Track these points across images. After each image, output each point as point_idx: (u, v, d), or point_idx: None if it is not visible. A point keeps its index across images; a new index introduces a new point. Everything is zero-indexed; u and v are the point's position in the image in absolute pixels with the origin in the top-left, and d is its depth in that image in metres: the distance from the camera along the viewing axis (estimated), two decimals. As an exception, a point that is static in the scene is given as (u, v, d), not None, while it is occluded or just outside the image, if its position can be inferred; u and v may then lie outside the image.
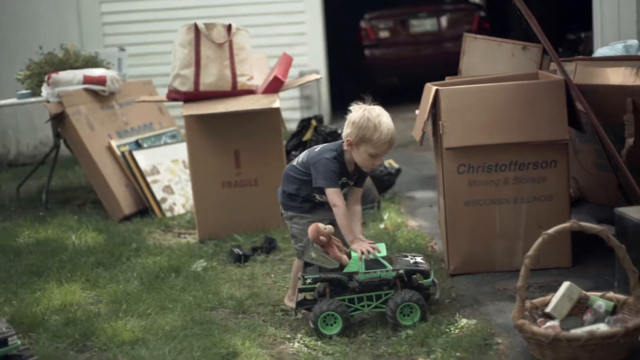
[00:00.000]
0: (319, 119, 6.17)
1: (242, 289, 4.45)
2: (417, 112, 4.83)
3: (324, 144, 4.11)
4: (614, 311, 3.48)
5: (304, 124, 6.13)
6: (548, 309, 3.53)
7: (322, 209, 4.03)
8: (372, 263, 3.76)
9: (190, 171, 5.59)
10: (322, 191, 3.93)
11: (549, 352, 3.22)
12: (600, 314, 3.44)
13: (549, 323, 3.43)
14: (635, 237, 3.51)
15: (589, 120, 4.36)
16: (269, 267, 4.84)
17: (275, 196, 5.52)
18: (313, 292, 3.80)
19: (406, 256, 3.92)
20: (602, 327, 3.28)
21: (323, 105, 10.21)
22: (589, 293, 3.60)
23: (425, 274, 3.79)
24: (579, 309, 3.55)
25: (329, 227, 3.78)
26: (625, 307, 3.49)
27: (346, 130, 3.90)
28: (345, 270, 3.77)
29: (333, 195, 3.87)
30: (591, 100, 4.36)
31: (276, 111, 5.46)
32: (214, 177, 5.55)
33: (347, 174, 3.97)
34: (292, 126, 7.07)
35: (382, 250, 3.84)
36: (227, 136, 5.53)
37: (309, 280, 3.79)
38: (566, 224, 3.25)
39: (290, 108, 9.65)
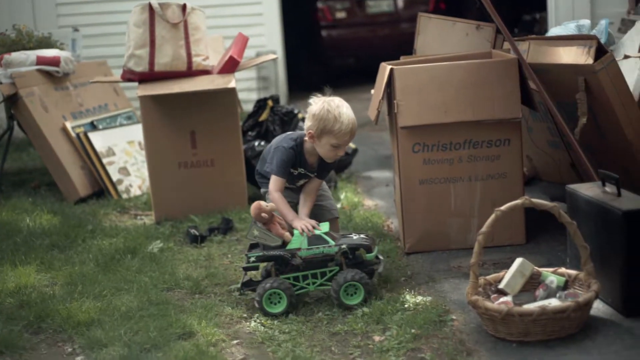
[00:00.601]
0: (276, 99, 6.15)
1: (198, 269, 4.45)
2: (372, 91, 4.84)
3: (290, 132, 4.17)
4: (565, 286, 3.54)
5: (260, 104, 6.12)
6: (501, 285, 3.58)
7: (293, 191, 4.11)
8: (315, 239, 3.79)
9: (146, 152, 5.56)
10: (292, 178, 4.04)
11: (501, 327, 3.26)
12: (552, 290, 3.49)
13: (502, 299, 3.48)
14: (586, 213, 3.56)
15: (542, 99, 4.41)
16: (226, 247, 4.83)
17: (232, 176, 5.55)
18: (258, 271, 3.85)
19: (350, 233, 3.96)
20: (553, 302, 3.33)
21: (280, 85, 10.19)
22: (541, 269, 3.66)
23: (368, 249, 3.82)
24: (531, 285, 3.61)
25: (271, 205, 3.85)
26: (576, 282, 3.55)
27: (307, 123, 3.94)
28: (287, 247, 3.80)
29: (273, 181, 3.96)
30: (544, 79, 4.40)
31: (232, 91, 5.44)
32: (170, 158, 5.52)
33: (305, 165, 4.02)
34: (249, 107, 7.03)
35: (324, 227, 3.87)
36: (183, 117, 5.50)
37: (252, 259, 3.82)
38: (518, 201, 3.29)
39: (247, 89, 9.61)
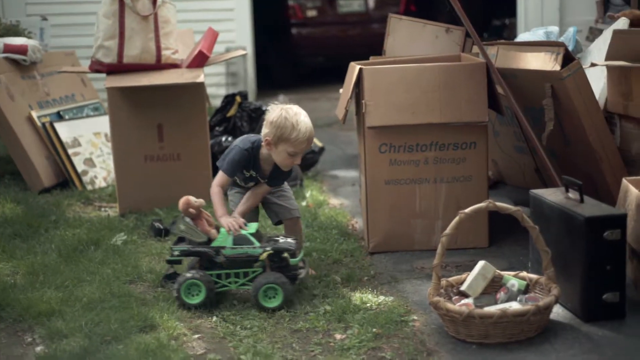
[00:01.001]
0: (244, 95, 6.15)
1: (161, 262, 4.43)
2: (341, 91, 4.86)
3: (252, 134, 4.16)
4: (526, 290, 3.57)
5: (229, 99, 6.11)
6: (463, 287, 3.61)
7: (250, 184, 4.12)
8: (240, 239, 3.79)
9: (112, 144, 5.53)
10: (243, 179, 4.07)
11: (462, 329, 3.29)
12: (513, 293, 3.52)
13: (464, 301, 3.51)
14: (549, 218, 3.60)
15: (509, 104, 4.45)
16: (190, 241, 4.82)
17: (198, 171, 5.53)
18: (180, 265, 3.90)
19: (277, 237, 3.94)
20: (514, 305, 3.36)
21: (249, 82, 10.17)
22: (503, 272, 3.69)
23: (292, 254, 3.81)
24: (493, 288, 3.64)
25: (200, 201, 3.83)
26: (537, 286, 3.59)
27: (264, 131, 3.94)
28: (213, 244, 3.81)
29: (219, 176, 3.99)
30: (511, 84, 4.45)
31: (200, 86, 5.43)
32: (137, 151, 5.49)
33: (258, 170, 4.03)
34: (217, 102, 7.02)
35: (251, 228, 3.86)
36: (151, 110, 5.48)
37: (176, 252, 3.84)
38: (482, 204, 3.32)
39: (215, 84, 9.59)
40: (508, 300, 3.49)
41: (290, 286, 3.74)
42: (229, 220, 3.85)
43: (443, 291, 3.60)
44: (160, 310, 3.72)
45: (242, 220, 3.89)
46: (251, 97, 9.83)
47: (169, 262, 3.91)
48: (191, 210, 3.81)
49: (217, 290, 3.82)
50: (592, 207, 3.46)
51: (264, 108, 6.06)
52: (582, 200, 3.52)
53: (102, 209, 5.65)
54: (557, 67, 4.10)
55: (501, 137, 5.43)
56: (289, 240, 3.89)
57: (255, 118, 5.95)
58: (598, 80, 4.85)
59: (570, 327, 3.39)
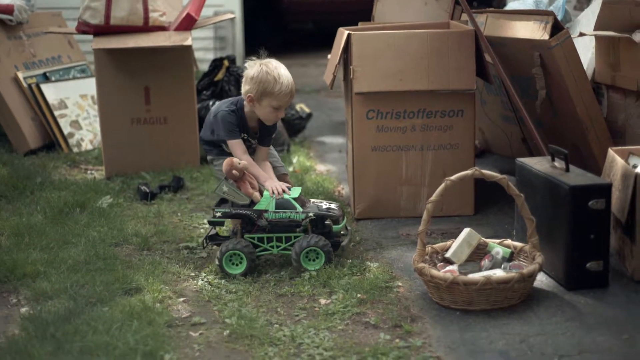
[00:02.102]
0: (232, 59, 6.12)
1: (147, 226, 4.43)
2: (329, 56, 4.84)
3: (226, 99, 4.12)
4: (510, 258, 3.59)
5: (216, 63, 6.08)
6: (448, 254, 3.63)
7: None
8: (283, 203, 3.77)
9: (99, 106, 5.50)
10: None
11: (446, 295, 3.31)
12: (498, 260, 3.55)
13: (448, 267, 3.53)
14: (535, 187, 3.61)
15: (497, 72, 4.45)
16: (176, 205, 4.82)
17: (185, 135, 5.52)
18: (223, 227, 3.90)
19: (321, 202, 3.93)
20: (498, 273, 3.38)
21: (237, 46, 10.12)
22: (488, 240, 3.71)
23: (335, 221, 3.80)
24: (477, 255, 3.67)
25: (244, 163, 3.77)
26: (521, 254, 3.61)
27: (245, 87, 3.91)
28: (255, 207, 3.78)
29: (236, 147, 3.93)
30: (500, 52, 4.44)
31: (188, 49, 5.40)
32: (123, 114, 5.47)
33: (247, 130, 4.00)
34: (205, 67, 6.98)
35: (295, 192, 3.85)
36: (138, 72, 5.45)
37: (218, 214, 3.81)
38: (468, 171, 3.32)
39: (204, 48, 9.54)
40: (492, 267, 3.52)
41: (332, 249, 3.74)
42: (274, 184, 3.84)
43: (428, 258, 3.61)
44: (145, 273, 3.72)
45: (285, 184, 3.88)
46: (239, 61, 9.78)
47: (211, 223, 3.87)
48: (234, 172, 3.74)
49: (258, 254, 3.80)
50: (578, 176, 3.47)
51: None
52: (567, 170, 3.54)
53: (88, 172, 5.64)
54: (546, 36, 4.09)
55: (489, 106, 5.44)
56: (332, 206, 3.87)
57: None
58: (586, 51, 4.85)
59: (554, 295, 3.41)
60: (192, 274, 3.80)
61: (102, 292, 3.50)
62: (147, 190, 4.94)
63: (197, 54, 8.13)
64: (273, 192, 3.80)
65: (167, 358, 2.94)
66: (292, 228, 3.78)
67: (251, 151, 4.08)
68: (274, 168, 4.13)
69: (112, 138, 5.47)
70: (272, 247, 3.81)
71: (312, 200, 3.97)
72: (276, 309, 3.41)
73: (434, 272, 3.32)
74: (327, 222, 3.81)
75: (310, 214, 3.76)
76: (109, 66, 5.41)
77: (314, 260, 3.73)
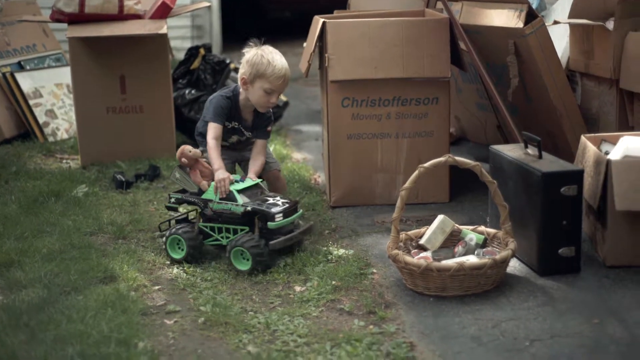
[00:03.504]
0: (208, 48, 6.10)
1: (123, 214, 4.42)
2: (305, 44, 4.84)
3: (225, 88, 4.13)
4: (484, 244, 3.62)
5: (192, 52, 6.06)
6: (422, 241, 3.65)
7: (228, 149, 4.10)
8: (229, 195, 3.75)
9: (74, 95, 5.48)
10: (226, 132, 4.01)
11: (420, 282, 3.33)
12: (471, 247, 3.57)
13: (422, 254, 3.54)
14: (508, 174, 3.63)
15: (472, 60, 4.46)
16: (152, 194, 4.82)
17: (161, 124, 5.51)
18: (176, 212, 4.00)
19: (270, 198, 3.79)
20: (471, 259, 3.40)
21: (214, 35, 10.10)
22: (461, 227, 3.73)
23: (269, 218, 3.65)
24: (451, 242, 3.69)
25: (195, 151, 3.80)
26: (495, 241, 3.63)
27: (240, 71, 3.95)
28: (203, 196, 3.81)
29: (210, 129, 3.92)
30: (475, 40, 4.45)
31: (163, 37, 5.38)
32: (99, 102, 5.45)
33: (240, 119, 4.01)
34: (182, 55, 6.96)
35: (243, 184, 3.80)
36: (113, 61, 5.43)
37: (172, 200, 3.88)
38: (442, 158, 3.33)
39: (181, 37, 9.51)
40: (466, 253, 3.54)
41: (259, 250, 3.60)
42: (219, 177, 3.78)
43: (402, 245, 3.63)
44: (120, 261, 3.72)
45: (233, 177, 3.82)
46: (217, 50, 9.76)
47: (167, 207, 3.94)
48: (183, 160, 3.79)
49: (211, 244, 3.83)
50: (550, 163, 3.50)
51: (227, 61, 6.02)
52: (540, 156, 3.56)
53: (64, 161, 5.61)
54: (520, 24, 4.11)
55: (464, 94, 5.46)
56: (279, 202, 3.75)
57: (219, 71, 5.92)
58: (561, 39, 4.87)
59: (526, 280, 3.44)
60: (168, 262, 3.79)
61: (76, 280, 3.49)
62: (123, 179, 4.93)
63: (174, 43, 8.11)
64: (217, 186, 3.76)
65: (141, 346, 2.94)
66: (236, 220, 3.75)
67: (245, 143, 4.10)
68: (267, 164, 4.11)
69: (88, 127, 5.45)
70: (222, 237, 3.81)
71: (271, 196, 3.83)
72: (251, 296, 3.41)
73: (408, 258, 3.34)
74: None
75: (248, 208, 3.69)
76: (84, 55, 5.39)
77: (247, 260, 3.62)
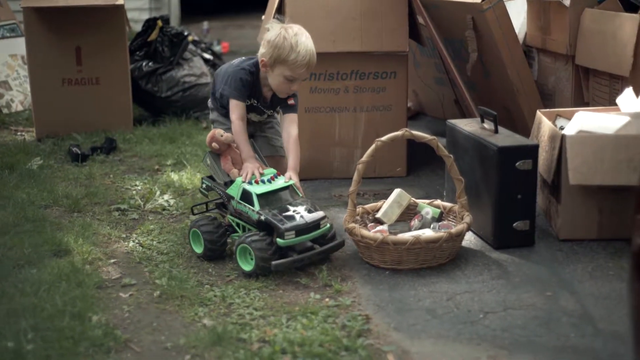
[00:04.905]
0: (165, 20, 6.04)
1: (78, 188, 4.38)
2: (263, 17, 4.81)
3: (245, 57, 3.72)
4: (440, 218, 3.64)
5: (150, 24, 5.99)
6: (378, 215, 3.66)
7: (251, 115, 3.73)
8: (246, 196, 3.39)
9: (29, 67, 5.41)
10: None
11: (376, 255, 3.34)
12: (427, 220, 3.59)
13: (378, 228, 3.56)
14: (464, 148, 3.65)
15: (430, 35, 4.47)
16: (108, 167, 4.78)
17: (117, 96, 5.45)
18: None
19: (297, 206, 3.39)
20: (427, 233, 3.42)
21: (173, 7, 10.00)
22: (418, 200, 3.75)
23: (279, 234, 3.26)
24: (408, 216, 3.70)
25: (227, 135, 3.52)
26: (450, 214, 3.65)
27: (261, 50, 3.56)
28: (228, 190, 3.49)
29: (233, 106, 3.56)
30: (433, 15, 4.46)
31: (120, 8, 5.32)
32: (54, 74, 5.39)
33: (259, 97, 3.65)
34: (139, 27, 6.89)
35: (272, 185, 3.42)
36: (68, 32, 5.36)
37: (204, 185, 3.62)
38: (398, 132, 3.34)
39: (139, 9, 9.41)
40: (422, 227, 3.56)
41: (265, 255, 3.24)
42: (249, 166, 3.47)
43: (359, 218, 3.64)
44: (75, 235, 3.69)
45: (263, 170, 3.47)
46: (175, 22, 9.67)
47: (201, 192, 3.68)
48: (214, 145, 3.52)
49: (234, 237, 3.51)
50: (506, 138, 3.52)
51: (185, 33, 5.97)
52: (496, 131, 3.58)
53: (18, 133, 5.54)
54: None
55: (422, 69, 5.47)
56: (301, 213, 3.33)
57: (176, 43, 5.86)
58: (518, 15, 4.89)
59: (481, 253, 3.47)
60: (124, 236, 3.77)
61: (30, 254, 3.46)
62: (79, 152, 4.88)
63: (132, 14, 8.02)
64: (244, 179, 3.43)
65: (96, 319, 2.92)
66: (252, 224, 3.41)
67: (263, 123, 3.82)
68: (272, 147, 3.83)
69: (43, 99, 5.38)
70: (240, 235, 3.45)
71: (298, 204, 3.41)
72: (207, 269, 3.40)
73: (364, 232, 3.35)
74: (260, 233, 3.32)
75: (262, 217, 3.31)
76: (39, 25, 5.31)
77: (252, 260, 3.29)
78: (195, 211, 3.76)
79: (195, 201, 4.11)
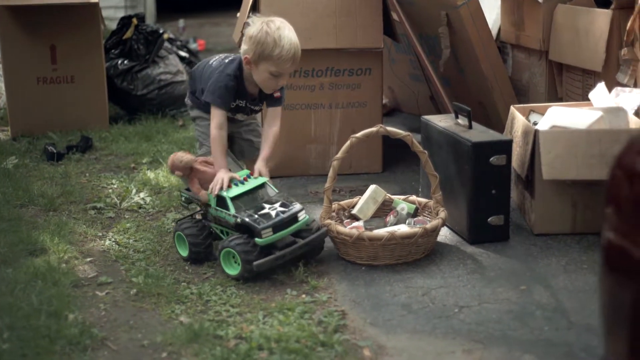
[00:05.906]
0: (141, 17, 6.02)
1: (54, 187, 4.37)
2: (238, 14, 4.81)
3: (226, 55, 3.64)
4: (415, 213, 3.66)
5: (125, 22, 5.98)
6: (354, 211, 3.68)
7: (238, 115, 3.68)
8: (221, 201, 3.34)
9: (3, 65, 5.38)
10: (229, 110, 3.57)
11: (352, 251, 3.35)
12: (403, 216, 3.61)
13: (354, 224, 3.57)
14: (439, 143, 3.67)
15: (404, 31, 4.49)
16: (84, 166, 4.76)
17: (92, 94, 5.43)
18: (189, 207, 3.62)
19: (272, 203, 3.36)
20: (402, 228, 3.44)
21: (148, 5, 9.97)
22: (393, 196, 3.77)
23: (256, 234, 3.21)
24: (383, 212, 3.72)
25: (187, 159, 3.39)
26: (425, 210, 3.68)
27: (243, 47, 3.44)
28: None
29: (215, 115, 3.46)
30: (408, 11, 4.48)
31: (95, 6, 5.31)
32: (29, 73, 5.36)
33: (245, 96, 3.56)
34: (115, 25, 6.87)
35: (245, 186, 3.36)
36: (43, 30, 5.34)
37: (183, 198, 3.55)
38: (373, 128, 3.36)
39: (114, 6, 9.38)
40: (397, 223, 3.58)
41: (251, 258, 3.18)
42: (218, 176, 3.37)
43: (335, 214, 3.65)
44: (51, 233, 3.68)
45: (237, 175, 3.40)
46: (150, 20, 9.64)
47: (182, 205, 3.64)
48: (177, 172, 3.42)
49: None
50: (480, 133, 3.54)
51: (161, 31, 5.96)
52: (470, 126, 3.60)
53: (-7, 132, 5.52)
54: (452, -5, 4.14)
55: (397, 65, 5.49)
56: (276, 210, 3.30)
57: (152, 41, 5.85)
58: (492, 10, 4.93)
59: (457, 249, 3.49)
60: (100, 234, 3.77)
61: (5, 253, 3.45)
62: (54, 151, 4.86)
63: (107, 12, 7.99)
64: (210, 191, 3.36)
65: (72, 318, 2.92)
66: (231, 228, 3.36)
67: (246, 122, 3.78)
68: (256, 149, 3.72)
69: (18, 98, 5.36)
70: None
71: (272, 200, 3.38)
72: (184, 267, 3.41)
73: (340, 228, 3.37)
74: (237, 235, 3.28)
75: (239, 220, 3.26)
76: (13, 24, 5.29)
77: (237, 264, 3.24)
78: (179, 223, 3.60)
79: (171, 199, 4.12)
